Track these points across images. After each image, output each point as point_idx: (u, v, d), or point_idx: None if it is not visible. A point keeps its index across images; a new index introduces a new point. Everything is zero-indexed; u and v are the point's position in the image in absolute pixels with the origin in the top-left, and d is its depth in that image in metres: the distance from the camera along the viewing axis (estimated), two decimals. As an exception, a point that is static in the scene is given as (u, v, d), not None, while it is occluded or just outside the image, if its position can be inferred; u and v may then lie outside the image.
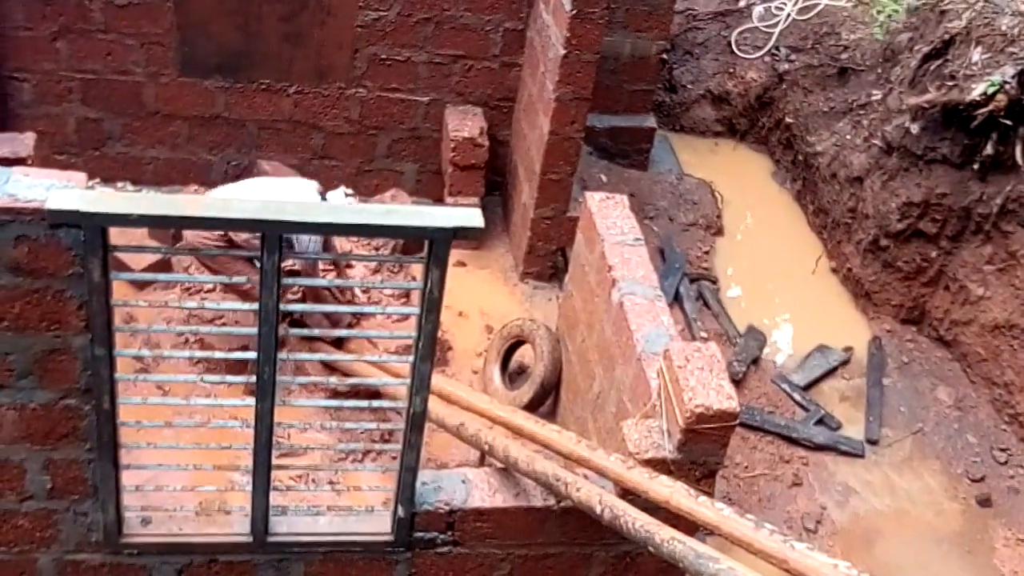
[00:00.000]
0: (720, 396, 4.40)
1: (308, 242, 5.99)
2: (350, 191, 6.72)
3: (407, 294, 7.09)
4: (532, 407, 6.24)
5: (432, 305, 3.98)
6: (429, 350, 4.10)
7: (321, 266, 6.74)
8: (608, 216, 5.71)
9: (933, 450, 7.28)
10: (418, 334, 4.06)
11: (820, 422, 7.29)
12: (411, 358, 4.14)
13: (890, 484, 7.05)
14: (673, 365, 4.53)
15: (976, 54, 7.42)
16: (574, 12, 6.60)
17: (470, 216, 3.83)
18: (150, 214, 3.63)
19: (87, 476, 4.13)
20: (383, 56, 7.70)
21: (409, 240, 5.85)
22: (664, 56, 9.15)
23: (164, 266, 7.00)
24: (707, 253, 8.48)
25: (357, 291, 6.97)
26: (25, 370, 3.85)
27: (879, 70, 8.74)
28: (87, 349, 3.83)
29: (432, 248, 3.86)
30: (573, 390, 6.06)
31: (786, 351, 7.96)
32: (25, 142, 6.54)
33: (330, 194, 6.59)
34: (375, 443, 5.88)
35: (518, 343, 6.68)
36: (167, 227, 4.89)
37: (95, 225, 3.60)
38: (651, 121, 9.12)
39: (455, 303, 7.21)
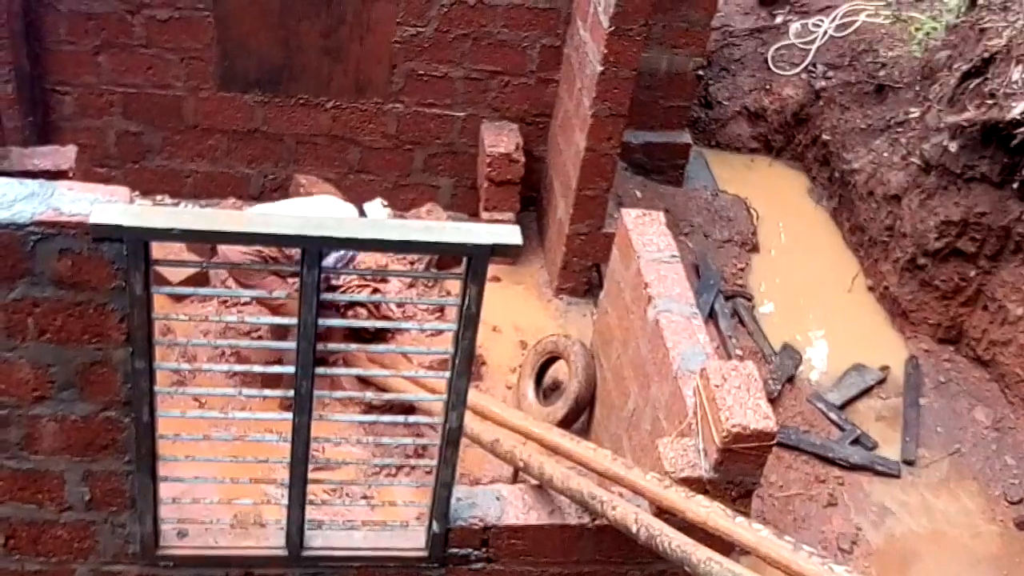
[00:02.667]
0: (757, 416, 4.37)
1: (334, 257, 6.02)
2: (385, 203, 6.76)
3: (441, 309, 7.10)
4: (566, 423, 6.23)
5: (469, 321, 3.99)
6: (466, 366, 4.11)
7: (356, 281, 6.79)
8: (644, 233, 5.70)
9: (971, 471, 7.19)
10: (455, 350, 4.07)
11: (856, 442, 7.22)
12: (447, 374, 4.15)
13: (927, 505, 6.97)
14: (710, 384, 4.51)
15: (1016, 72, 7.35)
16: (612, 29, 6.61)
17: (509, 233, 3.83)
18: (192, 229, 3.66)
19: (125, 488, 4.16)
20: (420, 71, 7.74)
21: (444, 254, 5.88)
22: (700, 72, 9.14)
23: (201, 278, 7.06)
24: (742, 270, 8.45)
25: (392, 305, 7.00)
26: (66, 382, 3.89)
27: (917, 88, 8.68)
28: (128, 362, 3.86)
29: (470, 264, 3.87)
30: (607, 407, 6.04)
31: (822, 369, 7.90)
32: (67, 155, 6.64)
33: (367, 206, 6.63)
34: (409, 458, 5.89)
35: (552, 359, 6.67)
36: (208, 242, 4.94)
37: (138, 239, 3.64)
38: (686, 137, 9.11)
39: (489, 318, 7.21)
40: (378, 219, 6.54)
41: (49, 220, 3.56)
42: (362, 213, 6.61)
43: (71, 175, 6.41)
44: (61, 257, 3.62)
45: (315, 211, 6.47)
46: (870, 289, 8.55)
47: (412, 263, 7.49)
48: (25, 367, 3.83)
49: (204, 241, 4.05)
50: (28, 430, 3.97)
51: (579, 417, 6.40)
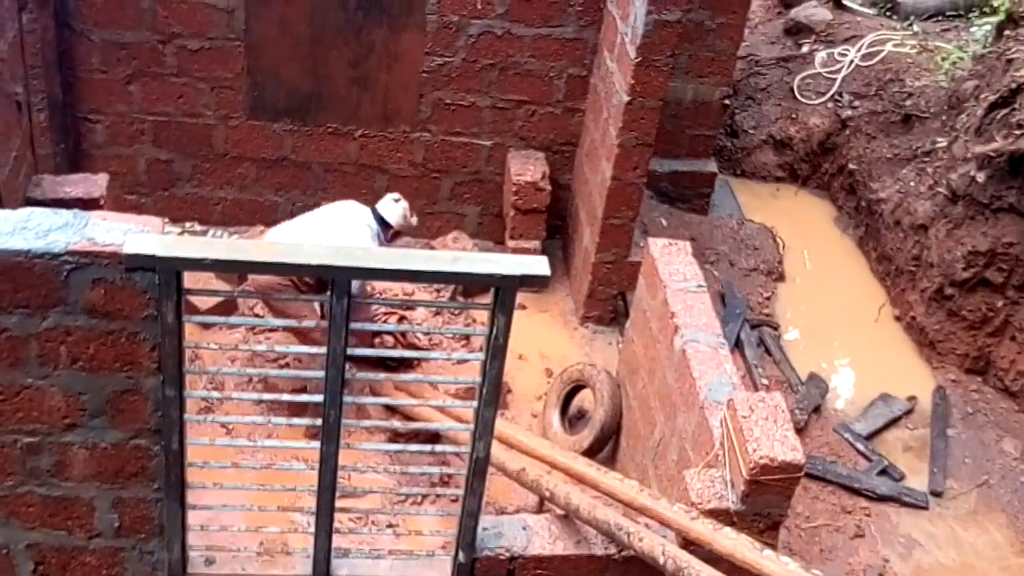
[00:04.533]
0: (785, 447, 4.36)
1: (356, 284, 6.04)
2: (397, 196, 6.78)
3: (466, 337, 7.11)
4: (591, 452, 6.22)
5: (497, 351, 4.00)
6: (493, 396, 4.12)
7: (383, 309, 6.81)
8: (671, 262, 5.71)
9: (999, 503, 7.11)
10: (482, 380, 4.08)
11: (883, 472, 7.16)
12: (475, 403, 4.16)
13: (955, 537, 6.89)
14: (737, 415, 4.50)
15: (1044, 102, 7.33)
16: (639, 60, 6.64)
17: (537, 264, 3.85)
18: (223, 259, 3.70)
19: (154, 515, 4.19)
20: (448, 101, 7.81)
21: (472, 285, 5.89)
22: (726, 101, 9.16)
23: (229, 305, 7.11)
24: (768, 299, 8.42)
25: (417, 333, 7.02)
26: (98, 410, 3.93)
27: (944, 117, 8.66)
28: (158, 390, 3.90)
29: (498, 295, 3.89)
30: (633, 436, 6.03)
31: (848, 399, 7.85)
32: (98, 183, 6.70)
33: (379, 205, 6.67)
34: (435, 486, 5.89)
35: (578, 387, 6.67)
36: (239, 271, 4.97)
37: (170, 269, 3.68)
38: (712, 166, 9.12)
39: (515, 345, 7.11)
40: (394, 212, 6.63)
41: (83, 250, 3.61)
42: (376, 212, 6.66)
43: (102, 203, 6.47)
44: (94, 286, 3.67)
45: (334, 215, 6.58)
46: (897, 319, 8.51)
47: (438, 291, 7.52)
48: (57, 395, 3.87)
49: (235, 271, 4.10)
50: (59, 457, 4.00)
51: (605, 446, 6.38)
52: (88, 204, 6.41)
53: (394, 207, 6.66)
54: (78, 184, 6.64)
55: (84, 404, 3.90)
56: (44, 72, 7.14)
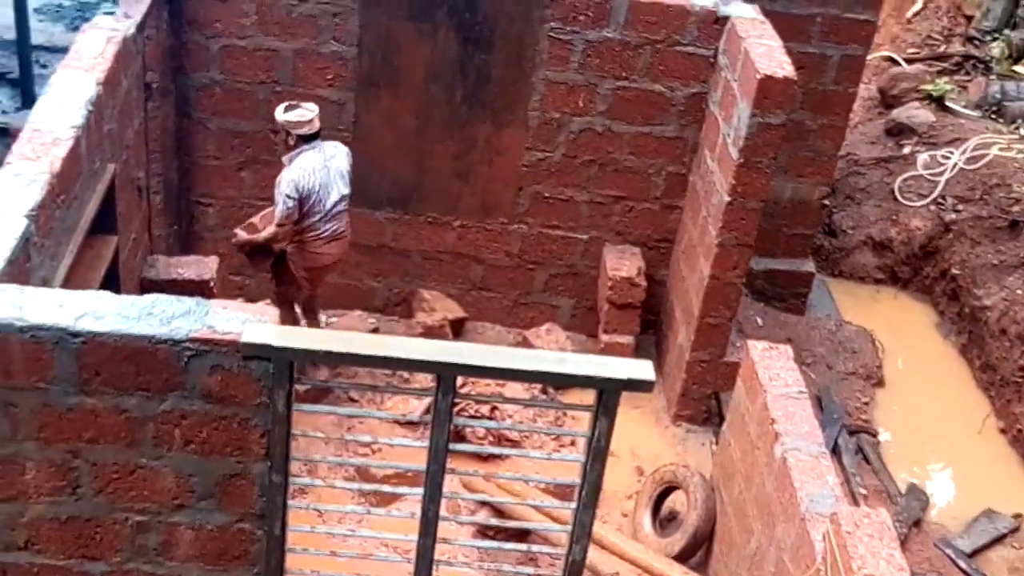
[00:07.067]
0: (891, 567, 4.23)
1: None
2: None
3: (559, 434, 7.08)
4: (683, 557, 6.11)
5: (598, 454, 4.00)
6: (592, 499, 4.10)
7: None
8: (771, 367, 5.64)
9: (1112, 632, 6.76)
10: (582, 482, 4.07)
11: (987, 593, 6.88)
12: (573, 505, 4.14)
13: (1063, 665, 6.57)
14: (841, 530, 4.38)
15: None
16: (741, 161, 6.67)
17: (642, 369, 3.87)
18: (335, 351, 3.80)
19: (253, 599, 4.24)
20: (546, 194, 7.91)
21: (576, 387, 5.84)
22: (825, 201, 9.11)
23: (324, 390, 7.21)
24: (867, 404, 8.24)
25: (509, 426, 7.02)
26: (206, 492, 4.02)
27: (1053, 226, 8.50)
28: (265, 475, 3.98)
29: (602, 398, 3.90)
30: (728, 543, 5.90)
31: (950, 513, 7.59)
32: (209, 265, 6.92)
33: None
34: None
35: (671, 489, 6.57)
36: (350, 364, 5.08)
37: (284, 359, 3.79)
38: (810, 265, 9.03)
39: (606, 442, 7.17)
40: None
41: (204, 337, 3.74)
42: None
43: (212, 285, 6.67)
44: (212, 373, 3.78)
45: (331, 152, 6.85)
46: (1002, 431, 8.23)
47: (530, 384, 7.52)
48: (169, 476, 3.97)
49: (346, 364, 4.19)
50: (166, 536, 4.09)
51: (697, 551, 6.25)
52: (200, 285, 6.62)
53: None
54: (191, 266, 6.87)
55: (194, 486, 4.00)
56: (163, 158, 7.45)
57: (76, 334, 3.75)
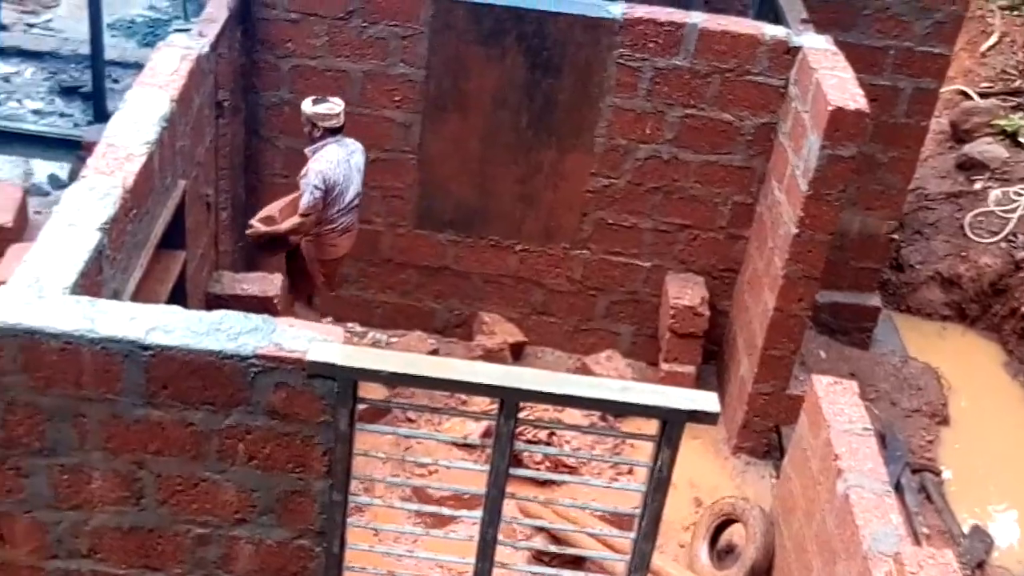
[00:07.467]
0: (957, 611, 4.12)
1: None
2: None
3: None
4: (740, 591, 6.02)
5: (660, 485, 3.96)
6: (652, 529, 4.06)
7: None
8: (835, 402, 5.55)
9: None
10: (642, 512, 4.04)
11: (1054, 642, 6.68)
12: (632, 535, 4.10)
13: None
14: (904, 570, 4.28)
15: None
16: (810, 193, 6.59)
17: (707, 400, 3.83)
18: (399, 372, 3.81)
19: (309, 616, 4.25)
20: (610, 221, 7.89)
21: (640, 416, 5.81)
22: (893, 235, 8.97)
23: (382, 410, 7.23)
24: (931, 443, 8.07)
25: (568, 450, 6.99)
26: (267, 507, 4.05)
27: None
28: (325, 493, 4.00)
29: (665, 428, 3.86)
30: (786, 579, 5.81)
31: (1014, 557, 7.39)
32: (273, 282, 7.00)
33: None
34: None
35: (729, 521, 6.49)
36: (412, 386, 5.12)
37: (348, 378, 3.81)
38: (876, 300, 8.89)
39: (664, 472, 7.10)
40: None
41: (270, 354, 3.77)
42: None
43: (276, 301, 6.74)
44: (277, 389, 3.82)
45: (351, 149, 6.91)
46: (1069, 474, 8.03)
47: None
48: (231, 490, 4.01)
49: (409, 385, 4.22)
50: (226, 550, 4.13)
51: (754, 586, 6.16)
52: (263, 301, 6.70)
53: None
54: (255, 282, 6.96)
55: (255, 501, 4.03)
56: (231, 175, 7.56)
57: (146, 347, 3.81)
